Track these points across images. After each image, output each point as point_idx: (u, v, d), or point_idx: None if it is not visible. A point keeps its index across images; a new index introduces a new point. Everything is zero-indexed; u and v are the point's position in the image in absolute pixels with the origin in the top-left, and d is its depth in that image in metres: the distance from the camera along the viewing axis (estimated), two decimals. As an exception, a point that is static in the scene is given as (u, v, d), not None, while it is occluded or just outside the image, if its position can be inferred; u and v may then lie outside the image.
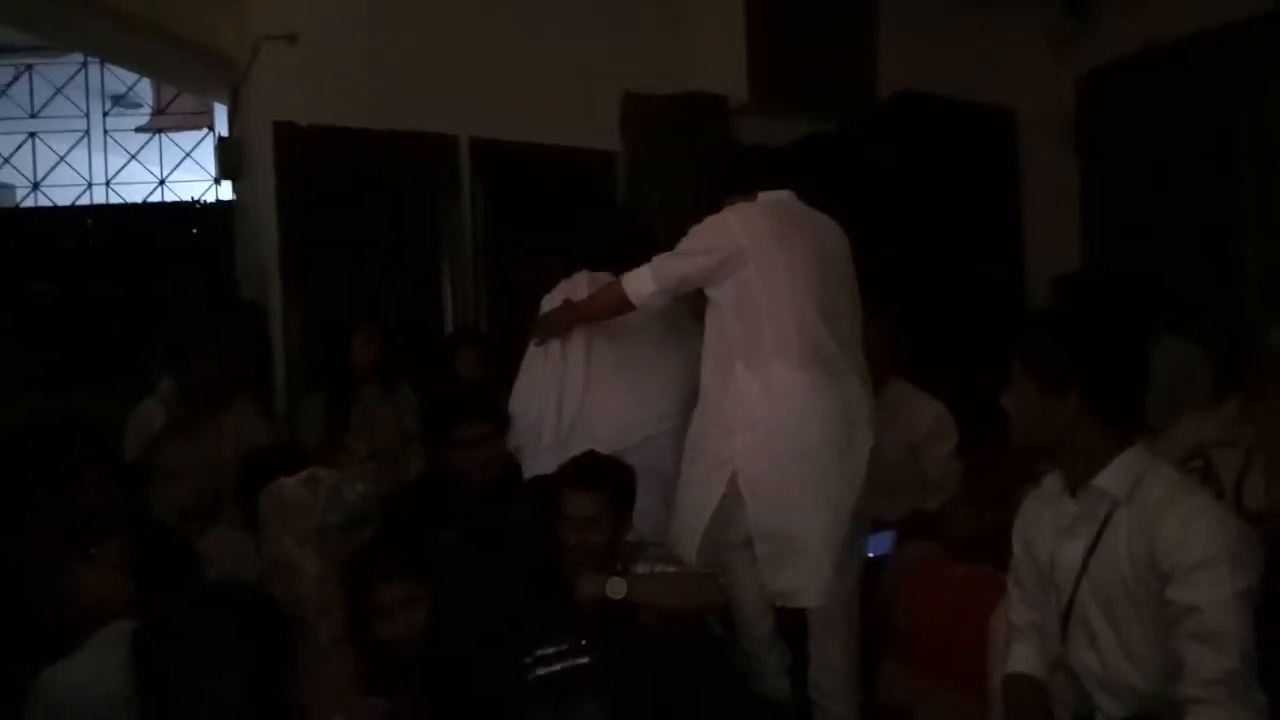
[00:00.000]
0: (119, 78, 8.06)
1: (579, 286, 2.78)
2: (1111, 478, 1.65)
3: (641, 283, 2.50)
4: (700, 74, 4.75)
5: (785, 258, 2.39)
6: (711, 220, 2.49)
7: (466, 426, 2.56)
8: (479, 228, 4.53)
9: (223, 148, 5.26)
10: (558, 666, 1.00)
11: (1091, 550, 1.66)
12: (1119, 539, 1.63)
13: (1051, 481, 1.77)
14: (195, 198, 7.51)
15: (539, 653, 1.13)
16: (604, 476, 2.32)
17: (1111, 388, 1.67)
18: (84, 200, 7.99)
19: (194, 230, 6.10)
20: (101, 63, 7.75)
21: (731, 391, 2.38)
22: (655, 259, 2.52)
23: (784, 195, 2.55)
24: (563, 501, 2.27)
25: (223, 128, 6.12)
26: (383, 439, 3.42)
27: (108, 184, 8.21)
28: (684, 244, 2.52)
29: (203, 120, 7.87)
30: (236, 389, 3.36)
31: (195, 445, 3.11)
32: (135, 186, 8.22)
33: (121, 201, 8.00)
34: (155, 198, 8.06)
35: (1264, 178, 3.12)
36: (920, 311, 3.83)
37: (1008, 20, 3.97)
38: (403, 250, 4.40)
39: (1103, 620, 1.65)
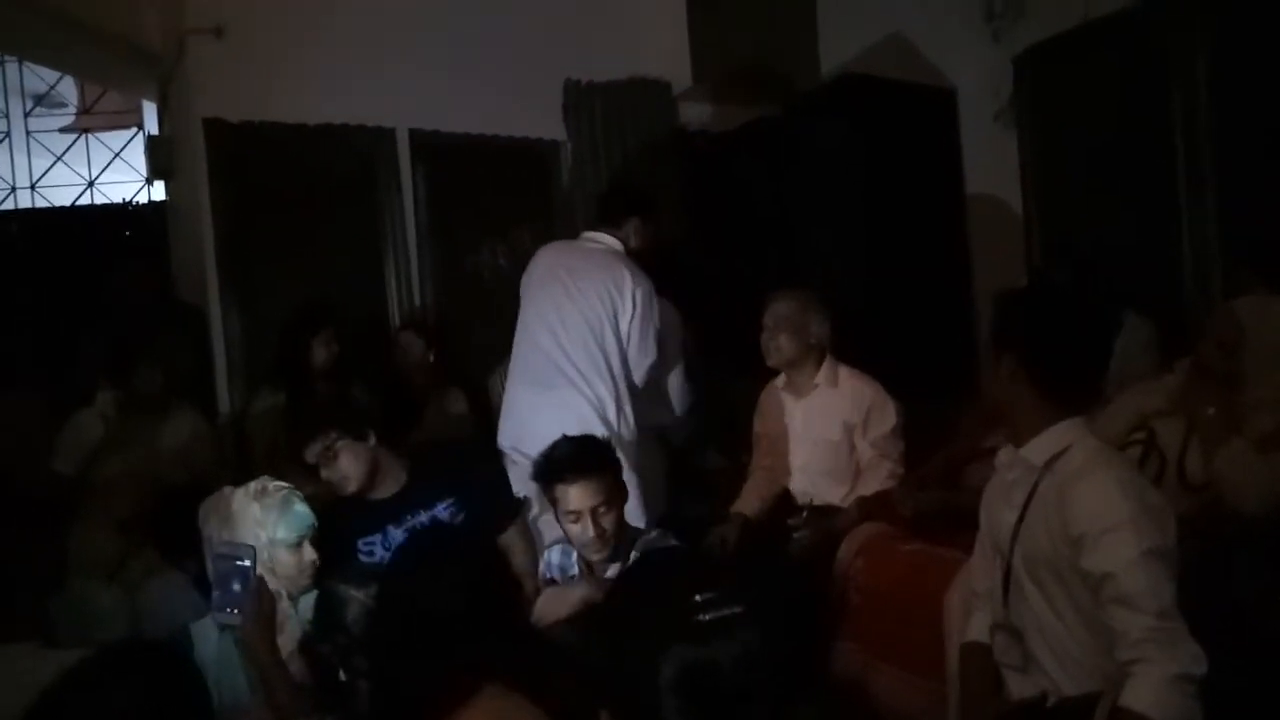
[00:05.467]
0: (40, 76, 7.76)
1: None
2: (1035, 447, 1.68)
3: None
4: (643, 60, 4.71)
5: (539, 300, 2.89)
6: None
7: (310, 445, 2.30)
8: (421, 221, 4.45)
9: (153, 147, 5.09)
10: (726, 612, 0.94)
11: (1021, 518, 1.69)
12: (1041, 509, 1.67)
13: (1005, 451, 1.80)
14: (127, 199, 7.28)
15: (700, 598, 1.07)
16: (596, 458, 2.21)
17: (1046, 357, 1.68)
18: (8, 205, 7.69)
19: (126, 233, 5.91)
20: (20, 60, 7.46)
21: None
22: None
23: (593, 236, 3.03)
24: (562, 499, 2.17)
25: (153, 126, 5.94)
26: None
27: (33, 187, 7.91)
28: None
29: (131, 119, 7.62)
30: (176, 397, 3.25)
31: (133, 457, 3.01)
32: (63, 189, 7.93)
33: (49, 205, 7.72)
34: (85, 200, 7.79)
35: (1194, 155, 3.16)
36: (865, 293, 3.86)
37: (944, -1, 4.00)
38: (343, 246, 4.30)
39: (1033, 587, 1.68)
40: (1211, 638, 1.50)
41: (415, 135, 4.41)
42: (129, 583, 2.59)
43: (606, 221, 3.05)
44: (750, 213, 4.53)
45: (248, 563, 1.66)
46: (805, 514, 2.74)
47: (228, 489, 1.92)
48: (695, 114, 4.88)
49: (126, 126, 7.81)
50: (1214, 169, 3.12)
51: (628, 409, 2.87)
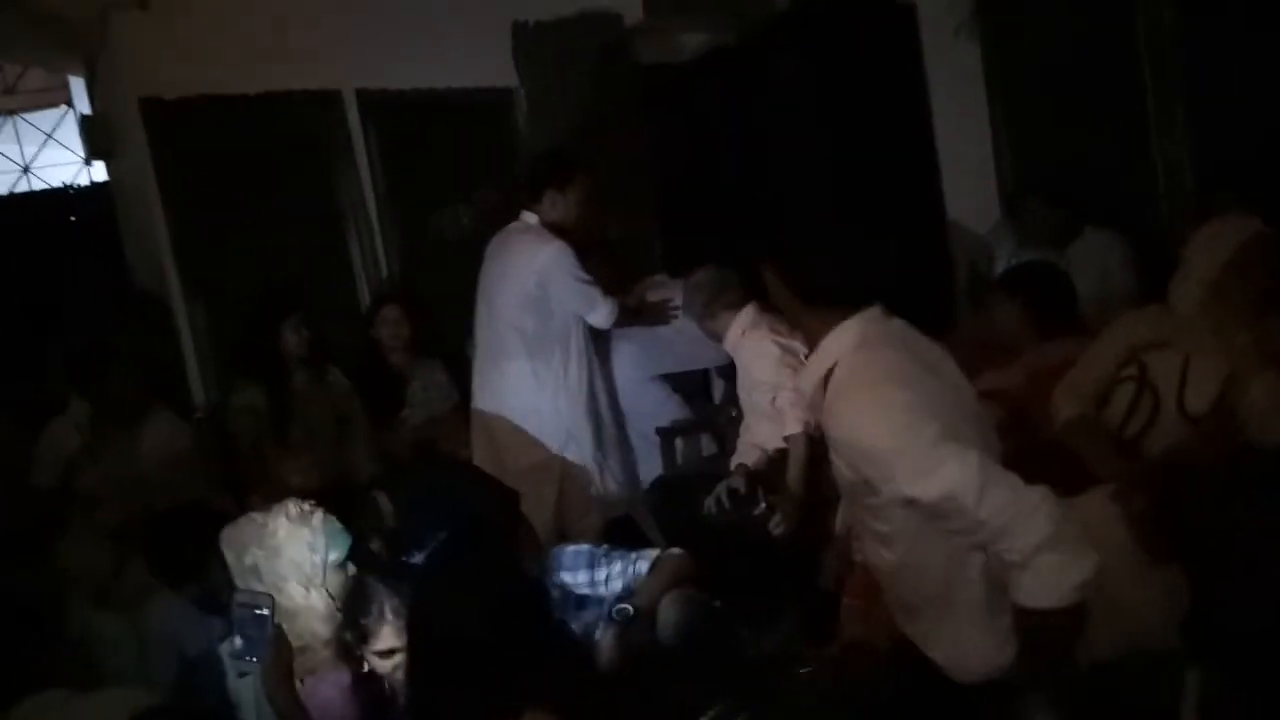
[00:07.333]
0: (-46, 57, 7.36)
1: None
2: (806, 376, 1.68)
3: None
4: (590, -9, 4.54)
5: (484, 280, 3.14)
6: None
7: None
8: (379, 184, 4.32)
9: (88, 126, 4.86)
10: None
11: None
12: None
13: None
14: (67, 182, 6.99)
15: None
16: None
17: (792, 261, 1.68)
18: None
19: (71, 218, 5.69)
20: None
21: None
22: None
23: (522, 214, 3.12)
24: None
25: (83, 103, 5.67)
26: (318, 425, 3.28)
27: (-36, 177, 7.58)
28: None
29: (59, 96, 7.28)
30: (150, 398, 3.15)
31: (114, 464, 2.94)
32: (-5, 178, 7.61)
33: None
34: (22, 187, 7.47)
35: (1161, 65, 3.11)
36: (833, 224, 3.79)
37: (899, -91, 3.86)
38: (302, 220, 4.18)
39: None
40: (1226, 573, 1.50)
41: (363, 95, 4.25)
42: (126, 602, 2.54)
43: (527, 198, 3.10)
44: (712, 146, 4.43)
45: (266, 611, 1.65)
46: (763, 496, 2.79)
47: (256, 516, 1.88)
48: (649, 45, 4.73)
49: (55, 105, 7.46)
50: (1181, 79, 3.07)
51: (557, 374, 3.04)
